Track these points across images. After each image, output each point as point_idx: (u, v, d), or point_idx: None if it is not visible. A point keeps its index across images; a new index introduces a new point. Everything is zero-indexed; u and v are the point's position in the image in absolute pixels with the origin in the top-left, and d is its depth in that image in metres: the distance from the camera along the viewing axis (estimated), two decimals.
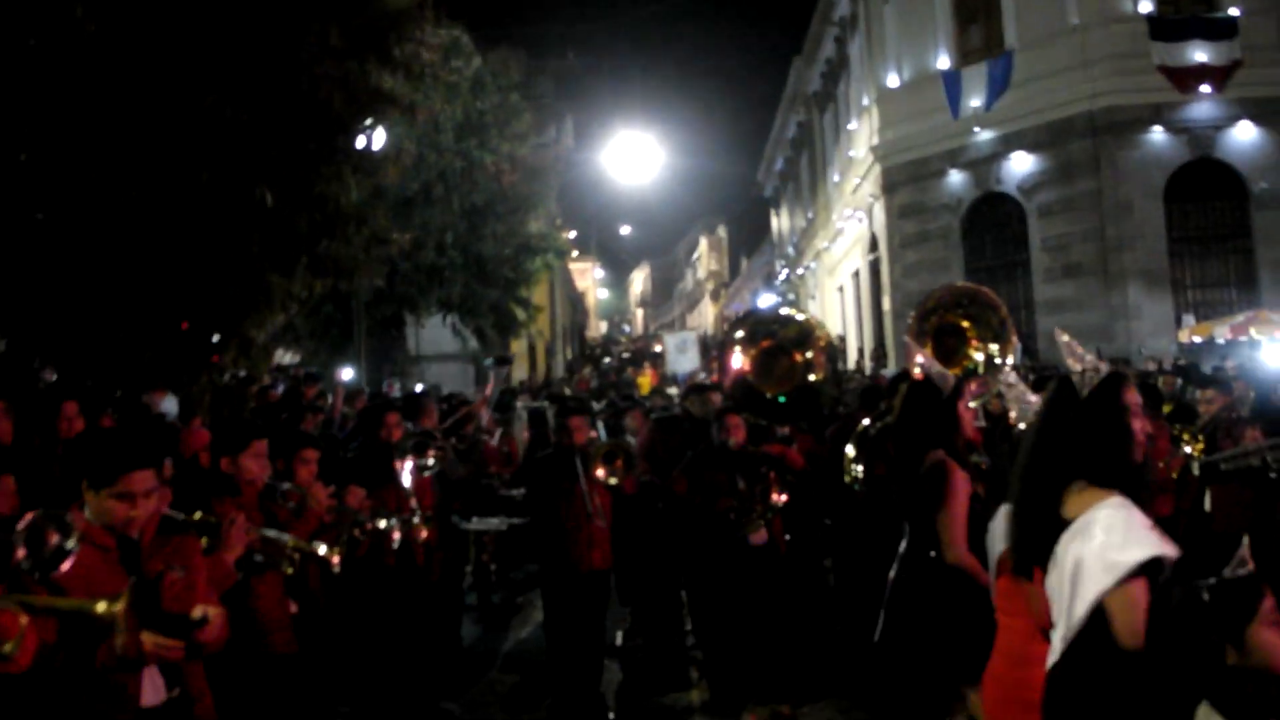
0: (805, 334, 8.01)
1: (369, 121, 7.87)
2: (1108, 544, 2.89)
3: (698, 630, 7.94)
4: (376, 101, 7.47)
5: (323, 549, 4.85)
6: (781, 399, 7.69)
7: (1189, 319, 19.32)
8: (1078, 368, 3.36)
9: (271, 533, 4.78)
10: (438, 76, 14.18)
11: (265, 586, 4.89)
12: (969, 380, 5.44)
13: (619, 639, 8.43)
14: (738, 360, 7.91)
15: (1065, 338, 3.61)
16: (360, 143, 8.04)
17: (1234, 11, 20.31)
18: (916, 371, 5.78)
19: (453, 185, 15.40)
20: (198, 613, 3.31)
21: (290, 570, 4.81)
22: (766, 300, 42.84)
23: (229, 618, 3.46)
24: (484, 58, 17.76)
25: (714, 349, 8.40)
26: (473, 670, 8.08)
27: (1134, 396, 3.24)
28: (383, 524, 5.72)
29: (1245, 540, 5.23)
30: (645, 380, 25.23)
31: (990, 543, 3.88)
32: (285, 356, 18.32)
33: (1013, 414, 4.87)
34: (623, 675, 7.85)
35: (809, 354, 7.76)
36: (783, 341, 7.89)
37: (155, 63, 6.63)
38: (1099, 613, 2.89)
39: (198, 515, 4.08)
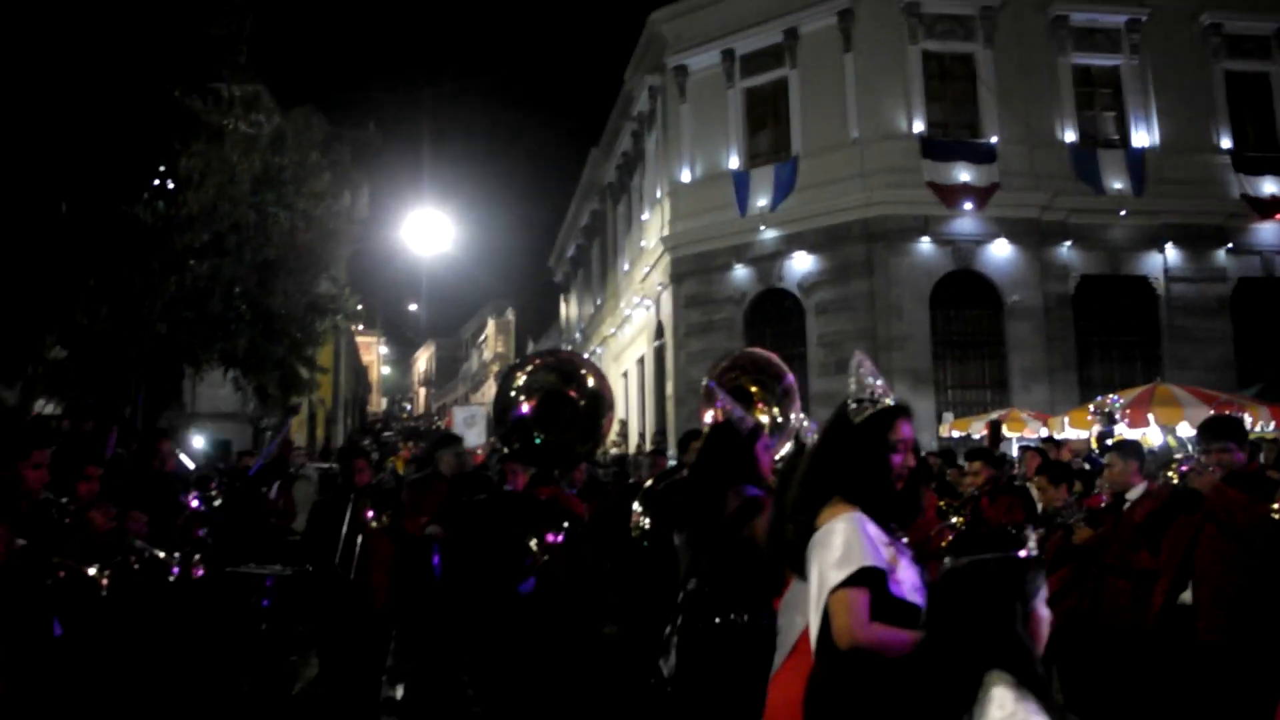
0: (566, 369, 8.01)
1: (175, 145, 7.71)
2: (829, 560, 3.20)
3: (477, 682, 7.90)
4: (184, 123, 7.32)
5: (92, 571, 4.67)
6: (538, 440, 7.64)
7: (949, 416, 20.65)
8: (864, 394, 3.61)
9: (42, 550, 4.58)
10: (236, 128, 13.96)
11: None
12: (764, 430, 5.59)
13: (399, 693, 8.30)
14: (524, 409, 7.83)
15: (860, 365, 3.80)
16: (162, 168, 7.87)
17: (994, 139, 22.25)
18: (709, 419, 6.03)
19: (245, 238, 15.02)
20: None
21: (49, 582, 4.62)
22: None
23: None
24: (285, 115, 17.52)
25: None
26: None
27: (907, 432, 3.56)
28: (161, 555, 5.50)
29: (1030, 532, 5.70)
30: (400, 460, 24.75)
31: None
32: (46, 407, 17.22)
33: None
34: None
35: (590, 383, 7.69)
36: (550, 387, 7.86)
37: None
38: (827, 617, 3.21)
39: None
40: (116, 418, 9.54)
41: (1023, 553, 2.68)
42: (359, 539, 7.02)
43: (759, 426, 5.11)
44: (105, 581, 4.70)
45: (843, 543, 3.21)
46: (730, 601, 4.56)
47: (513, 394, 7.92)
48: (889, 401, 3.60)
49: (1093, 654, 6.02)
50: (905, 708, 2.67)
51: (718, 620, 4.59)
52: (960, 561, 2.65)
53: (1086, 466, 10.76)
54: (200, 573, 5.99)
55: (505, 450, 7.88)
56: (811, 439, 5.24)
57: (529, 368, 8.13)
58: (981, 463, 8.17)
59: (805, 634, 3.76)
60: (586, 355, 40.87)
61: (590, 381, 7.72)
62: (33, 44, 6.24)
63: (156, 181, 8.06)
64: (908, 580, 3.26)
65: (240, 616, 8.76)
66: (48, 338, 7.76)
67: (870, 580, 3.16)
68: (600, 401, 7.72)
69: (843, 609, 3.14)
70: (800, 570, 3.47)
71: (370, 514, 7.00)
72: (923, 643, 2.72)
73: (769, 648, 4.12)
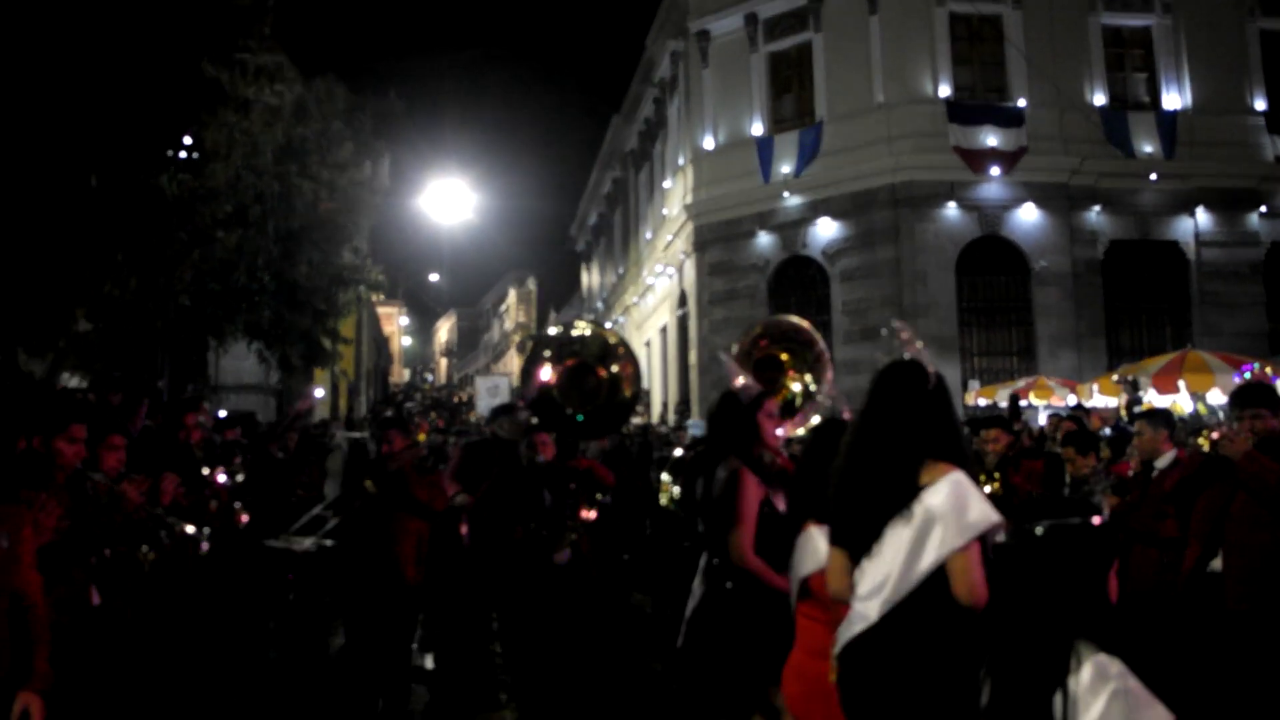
0: (605, 347, 8.02)
1: (202, 117, 7.70)
2: (960, 507, 3.15)
3: (506, 652, 7.94)
4: (210, 94, 7.31)
5: (143, 548, 4.71)
6: (580, 417, 7.66)
7: (974, 384, 20.53)
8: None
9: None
10: (259, 99, 13.92)
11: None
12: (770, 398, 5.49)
13: (428, 662, 8.35)
14: (545, 374, 7.83)
15: (905, 334, 3.81)
16: (188, 140, 7.87)
17: (1022, 102, 21.97)
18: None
19: (269, 209, 14.97)
20: None
21: (93, 560, 4.64)
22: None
23: None
24: (307, 85, 17.43)
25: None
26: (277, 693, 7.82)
27: None
28: (190, 530, 5.40)
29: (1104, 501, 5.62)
30: (421, 437, 24.76)
31: (799, 556, 4.07)
32: (71, 380, 17.34)
33: (845, 415, 5.00)
34: (430, 698, 7.77)
35: (614, 368, 7.73)
36: (586, 358, 7.88)
37: None
38: (938, 572, 3.14)
39: None
40: (147, 390, 9.56)
41: (1096, 520, 2.63)
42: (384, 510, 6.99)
43: (762, 395, 5.06)
44: (149, 559, 4.73)
45: (969, 499, 3.18)
46: (728, 568, 4.59)
47: (545, 355, 7.93)
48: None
49: (1118, 621, 5.99)
50: (999, 676, 2.61)
51: (724, 587, 4.63)
52: (1036, 526, 2.59)
53: (1108, 432, 10.68)
54: (243, 520, 5.99)
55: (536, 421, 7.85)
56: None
57: (562, 334, 8.14)
58: (999, 429, 8.13)
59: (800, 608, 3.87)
60: (609, 324, 40.90)
61: (615, 367, 7.72)
62: (64, 17, 6.23)
63: (182, 154, 8.09)
64: None
65: (268, 587, 8.82)
66: (76, 310, 7.79)
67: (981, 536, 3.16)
68: (621, 382, 7.73)
69: (971, 566, 3.11)
70: (858, 538, 3.36)
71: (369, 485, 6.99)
72: (1006, 608, 2.68)
73: (771, 613, 4.16)
